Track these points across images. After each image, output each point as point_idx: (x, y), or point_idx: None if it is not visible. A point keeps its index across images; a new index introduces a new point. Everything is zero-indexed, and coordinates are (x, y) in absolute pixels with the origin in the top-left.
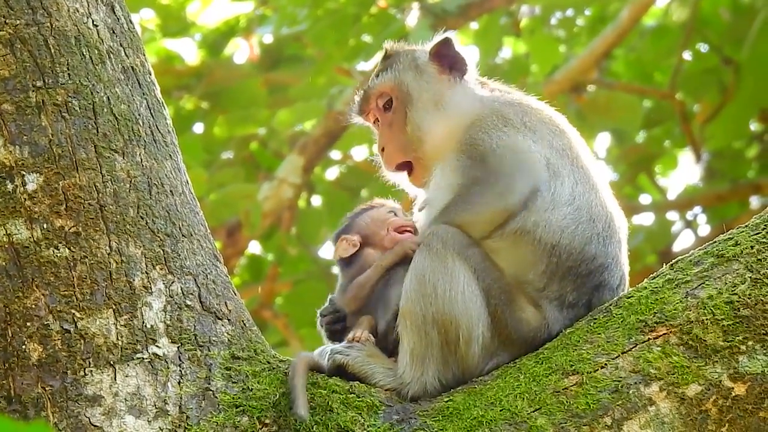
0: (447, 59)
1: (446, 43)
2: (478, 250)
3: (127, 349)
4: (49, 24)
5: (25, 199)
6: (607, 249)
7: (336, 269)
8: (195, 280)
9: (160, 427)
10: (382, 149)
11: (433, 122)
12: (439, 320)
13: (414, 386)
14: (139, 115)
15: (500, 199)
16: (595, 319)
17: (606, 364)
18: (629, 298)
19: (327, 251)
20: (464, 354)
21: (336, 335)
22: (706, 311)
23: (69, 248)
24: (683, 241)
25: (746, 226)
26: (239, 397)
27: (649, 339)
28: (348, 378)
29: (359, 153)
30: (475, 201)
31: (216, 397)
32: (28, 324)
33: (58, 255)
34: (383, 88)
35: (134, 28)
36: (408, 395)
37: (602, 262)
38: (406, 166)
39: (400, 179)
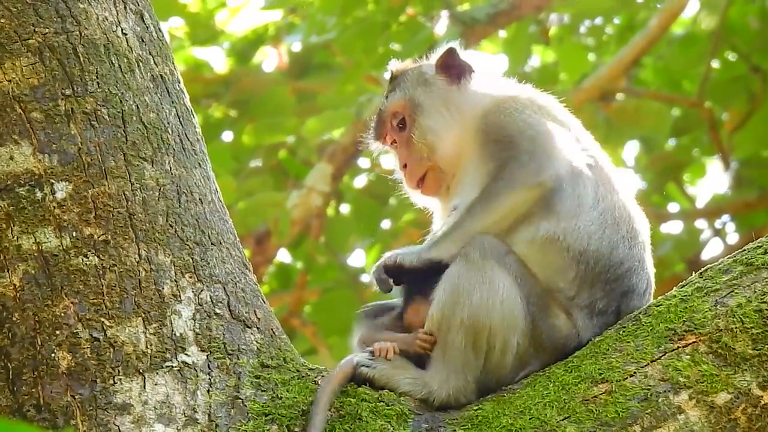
0: (454, 69)
1: (451, 53)
2: (515, 258)
3: (156, 357)
4: (78, 32)
5: (54, 207)
6: (633, 252)
7: (368, 278)
8: (224, 288)
9: None
10: (404, 166)
11: (445, 123)
12: (469, 328)
13: (441, 394)
14: (168, 123)
15: (535, 175)
16: (624, 327)
17: (635, 373)
18: (658, 306)
19: (355, 259)
20: (499, 362)
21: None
22: (735, 319)
23: (98, 256)
24: (712, 250)
25: None
26: (268, 406)
27: (678, 347)
28: (370, 386)
29: (388, 161)
30: (508, 183)
31: (245, 406)
32: (57, 332)
33: (87, 263)
34: (395, 107)
35: (163, 36)
36: (435, 404)
37: (629, 267)
38: (425, 182)
39: (420, 195)
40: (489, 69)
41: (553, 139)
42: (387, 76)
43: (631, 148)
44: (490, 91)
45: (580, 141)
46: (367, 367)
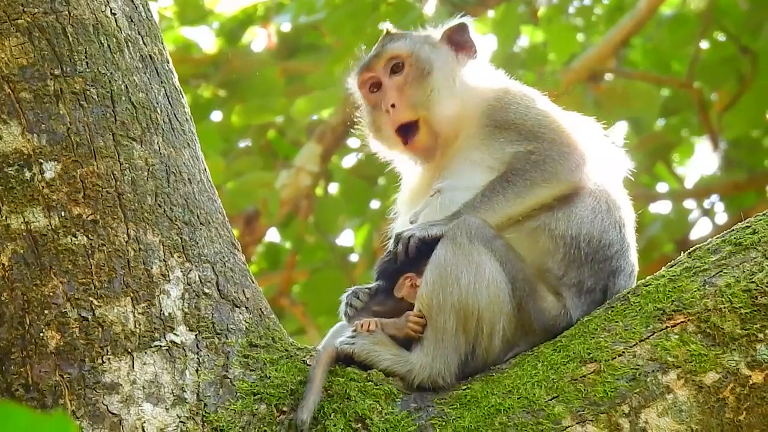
0: (461, 45)
1: (462, 27)
2: (502, 242)
3: (144, 336)
4: (67, 12)
5: (42, 187)
6: (622, 236)
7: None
8: (213, 268)
9: (177, 415)
10: (392, 105)
11: (448, 88)
12: (459, 311)
13: (423, 374)
14: (157, 103)
15: (573, 173)
16: (613, 307)
17: (624, 352)
18: (647, 286)
19: (344, 239)
20: (486, 346)
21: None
22: (723, 299)
23: (87, 236)
24: (700, 230)
25: (764, 214)
26: (257, 385)
27: (666, 327)
28: (358, 367)
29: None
30: (547, 176)
31: (234, 385)
32: (46, 312)
33: (76, 243)
34: (399, 51)
35: (152, 16)
36: (414, 382)
37: (618, 249)
38: (411, 128)
39: (395, 150)
40: (486, 57)
41: (573, 134)
42: (385, 29)
43: (620, 129)
44: (496, 77)
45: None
46: (347, 344)
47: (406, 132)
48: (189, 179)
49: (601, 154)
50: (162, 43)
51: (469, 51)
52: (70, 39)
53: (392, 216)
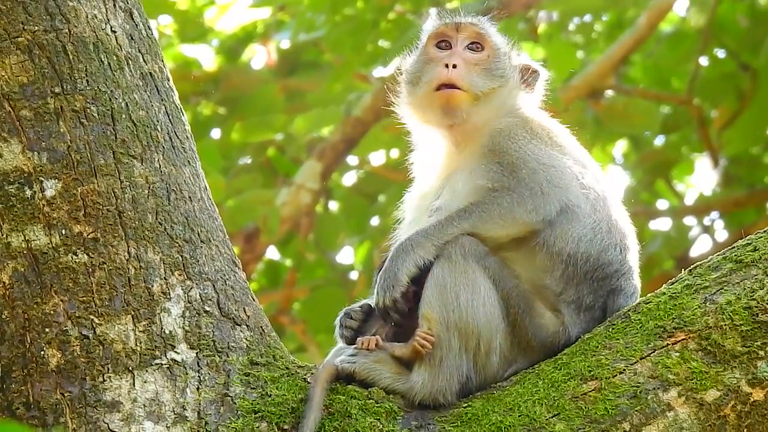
0: (526, 80)
1: (536, 73)
2: (494, 259)
3: (145, 354)
4: (67, 30)
5: (43, 205)
6: (624, 257)
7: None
8: (214, 285)
9: None
10: (454, 66)
11: (501, 103)
12: (462, 329)
13: (423, 392)
14: (158, 121)
15: (530, 215)
16: (614, 324)
17: (624, 370)
18: (647, 303)
19: (344, 257)
20: (484, 363)
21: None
22: (724, 317)
23: (87, 254)
24: (700, 247)
25: (765, 231)
26: (258, 403)
27: (667, 344)
28: (359, 385)
29: (377, 158)
30: (503, 213)
31: (235, 403)
32: (47, 330)
33: (77, 261)
34: (489, 39)
35: (152, 34)
36: (415, 400)
37: (618, 269)
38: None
39: (419, 103)
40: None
41: (553, 172)
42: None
43: (621, 146)
44: (532, 107)
45: (581, 162)
46: (349, 362)
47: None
48: (190, 197)
49: (604, 185)
50: (162, 61)
51: (530, 88)
52: (71, 57)
53: (397, 220)
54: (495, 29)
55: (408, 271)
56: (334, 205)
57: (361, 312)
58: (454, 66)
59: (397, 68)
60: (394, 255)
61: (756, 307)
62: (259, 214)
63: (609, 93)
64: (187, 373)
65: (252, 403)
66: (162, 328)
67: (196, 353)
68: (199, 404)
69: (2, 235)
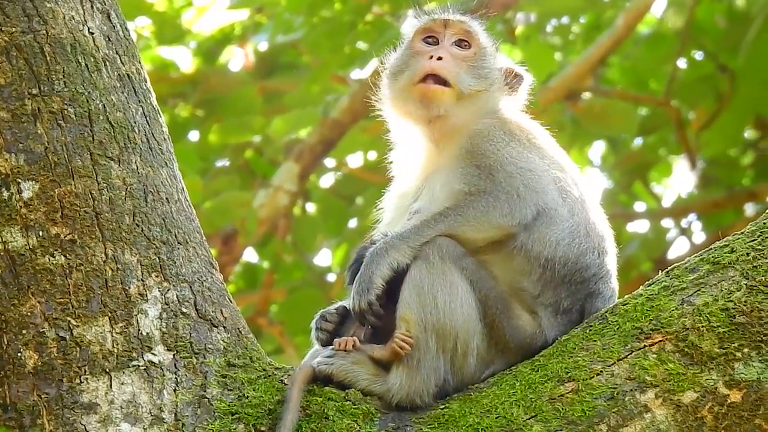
0: (510, 83)
1: (522, 80)
2: (472, 260)
3: (122, 356)
4: (44, 32)
5: (20, 206)
6: (602, 261)
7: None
8: (191, 287)
9: None
10: (439, 58)
11: (483, 102)
12: (439, 330)
13: (401, 393)
14: (135, 122)
15: (505, 219)
16: (591, 326)
17: (602, 371)
18: (625, 305)
19: (322, 259)
20: (462, 364)
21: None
22: (701, 318)
23: (65, 256)
24: (678, 249)
25: (742, 233)
26: (235, 405)
27: (644, 346)
28: (336, 386)
29: (355, 160)
30: (479, 216)
31: (212, 405)
32: (24, 332)
33: (54, 262)
34: (476, 37)
35: (130, 35)
36: (393, 401)
37: (596, 272)
38: (442, 83)
39: (400, 94)
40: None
41: (530, 176)
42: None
43: (598, 148)
44: (513, 110)
45: (560, 165)
46: (326, 363)
47: (438, 82)
48: (167, 199)
49: (582, 189)
50: (140, 63)
51: (511, 92)
52: (48, 58)
53: (377, 218)
54: (482, 29)
55: (383, 275)
56: (311, 207)
57: (337, 314)
58: (440, 58)
59: (379, 63)
60: (369, 259)
61: (733, 308)
62: (237, 215)
63: (587, 95)
64: (164, 375)
65: (229, 405)
66: (139, 330)
67: (173, 355)
68: (176, 406)
69: None
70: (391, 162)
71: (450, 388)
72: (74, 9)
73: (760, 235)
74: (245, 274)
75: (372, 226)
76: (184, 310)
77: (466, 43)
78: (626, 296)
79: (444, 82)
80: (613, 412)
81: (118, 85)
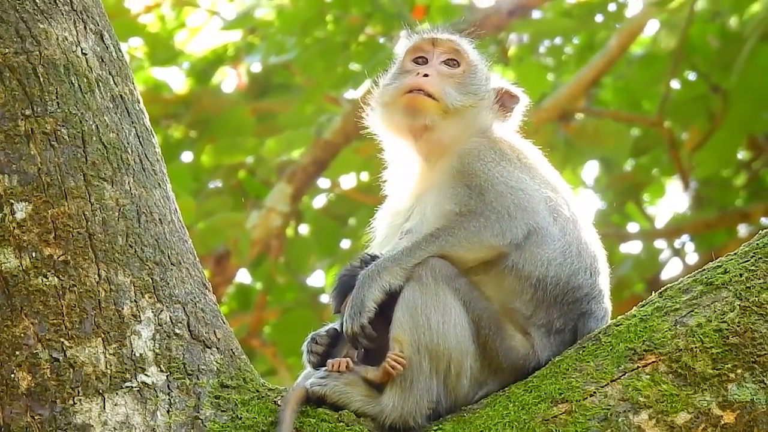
0: (503, 104)
1: (517, 100)
2: (465, 281)
3: (116, 377)
4: (38, 52)
5: (13, 227)
6: (594, 281)
7: (325, 298)
8: (184, 308)
9: None
10: (426, 75)
11: (472, 122)
12: (432, 351)
13: (394, 415)
14: (128, 143)
15: (496, 238)
16: (584, 347)
17: (595, 392)
18: (618, 326)
19: (315, 279)
20: (455, 385)
21: (319, 363)
22: (695, 339)
23: (58, 277)
24: (671, 269)
25: (735, 253)
26: (228, 426)
27: (638, 367)
28: (330, 408)
29: (347, 181)
30: (470, 237)
31: (205, 426)
32: (17, 353)
33: (47, 284)
34: (466, 56)
35: (123, 56)
36: (386, 422)
37: (588, 292)
38: (428, 96)
39: (388, 107)
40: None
41: (521, 195)
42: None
43: (591, 168)
44: (506, 130)
45: (551, 185)
46: (319, 384)
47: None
48: (160, 219)
49: (574, 208)
50: (133, 83)
51: (505, 113)
52: (41, 79)
53: (371, 235)
54: (472, 47)
55: (375, 298)
56: (304, 228)
57: (327, 336)
58: (426, 75)
59: (372, 84)
60: (362, 281)
61: (726, 329)
62: (230, 236)
63: (579, 115)
64: (157, 396)
65: (222, 426)
66: (132, 351)
67: (167, 376)
68: (170, 427)
69: None
70: (384, 181)
71: (443, 409)
72: (67, 30)
73: (753, 256)
74: (238, 295)
75: (365, 246)
76: (178, 331)
77: (454, 62)
78: (619, 317)
79: (430, 96)
80: None
81: (111, 106)
